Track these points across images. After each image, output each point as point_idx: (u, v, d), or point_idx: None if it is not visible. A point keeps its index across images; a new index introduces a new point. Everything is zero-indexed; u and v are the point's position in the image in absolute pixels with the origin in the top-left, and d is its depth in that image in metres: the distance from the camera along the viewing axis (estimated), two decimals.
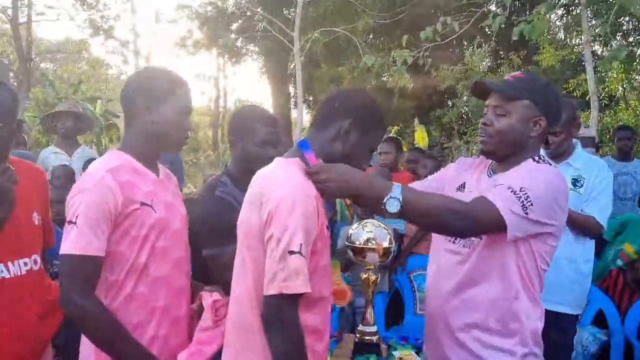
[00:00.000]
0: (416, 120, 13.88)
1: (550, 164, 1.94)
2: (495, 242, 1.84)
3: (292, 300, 1.56)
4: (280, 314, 1.56)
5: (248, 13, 13.80)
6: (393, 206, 1.68)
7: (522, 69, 14.11)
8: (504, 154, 1.95)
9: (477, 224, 1.74)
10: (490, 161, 2.06)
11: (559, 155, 3.16)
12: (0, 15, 18.96)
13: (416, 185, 2.26)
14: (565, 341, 3.13)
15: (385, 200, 1.68)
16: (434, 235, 2.13)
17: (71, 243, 1.70)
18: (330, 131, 1.75)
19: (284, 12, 13.37)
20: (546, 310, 2.99)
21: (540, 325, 1.99)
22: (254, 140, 2.37)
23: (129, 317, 1.80)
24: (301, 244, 1.54)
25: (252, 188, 1.75)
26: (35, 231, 2.21)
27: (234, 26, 14.87)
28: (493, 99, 1.95)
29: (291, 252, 1.53)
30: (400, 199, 1.68)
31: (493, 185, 1.90)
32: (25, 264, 2.12)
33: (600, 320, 3.89)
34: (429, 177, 2.32)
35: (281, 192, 1.59)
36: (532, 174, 1.83)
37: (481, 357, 1.90)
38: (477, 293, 1.90)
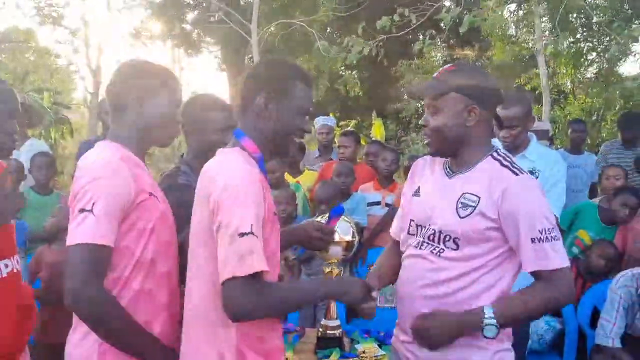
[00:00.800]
0: (374, 114, 14.00)
1: (513, 163, 1.92)
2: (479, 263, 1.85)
3: (250, 282, 1.51)
4: (240, 300, 1.51)
5: (204, 3, 13.56)
6: (491, 332, 1.76)
7: (476, 64, 14.42)
8: (449, 150, 1.92)
9: (570, 295, 1.85)
10: (443, 159, 2.02)
11: (515, 148, 3.22)
12: None
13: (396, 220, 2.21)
14: (520, 330, 3.20)
15: (483, 328, 1.76)
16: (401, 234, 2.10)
17: (88, 231, 1.58)
18: (250, 113, 1.76)
19: (241, 2, 13.20)
20: None
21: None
22: (213, 128, 2.32)
23: (137, 315, 1.70)
24: (252, 225, 1.52)
25: (199, 185, 1.73)
26: (13, 230, 2.12)
27: (190, 16, 14.63)
28: (425, 99, 1.95)
29: (242, 234, 1.50)
30: (495, 322, 1.75)
31: (458, 194, 1.87)
32: (6, 265, 2.02)
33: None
34: (399, 211, 2.22)
35: (225, 180, 1.58)
36: (527, 201, 1.82)
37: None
38: (452, 298, 1.87)
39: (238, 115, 1.84)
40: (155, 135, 1.90)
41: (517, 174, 1.85)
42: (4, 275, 1.99)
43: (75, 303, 1.58)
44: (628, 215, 4.18)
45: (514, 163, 1.92)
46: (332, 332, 2.55)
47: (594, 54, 14.06)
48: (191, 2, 14.34)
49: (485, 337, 1.76)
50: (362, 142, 7.45)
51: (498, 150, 1.94)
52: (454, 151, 1.92)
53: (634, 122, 5.53)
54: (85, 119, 21.33)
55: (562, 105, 12.72)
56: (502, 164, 1.89)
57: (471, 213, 1.81)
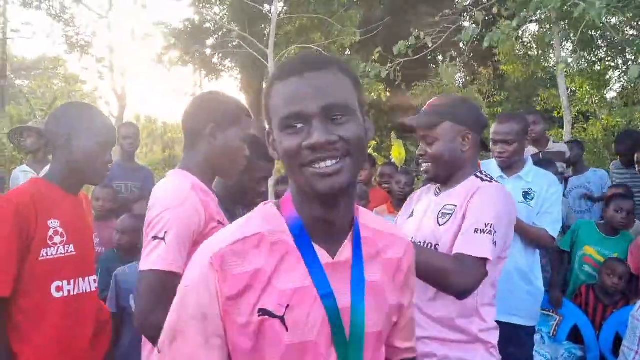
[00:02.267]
0: (392, 135, 13.97)
1: (492, 180, 2.04)
2: None
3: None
4: None
5: (223, 29, 13.81)
6: None
7: (493, 84, 14.37)
8: (447, 175, 2.08)
9: (470, 286, 1.84)
10: (436, 185, 2.18)
11: (511, 166, 3.20)
12: None
13: None
14: (524, 354, 3.14)
15: None
16: None
17: (158, 259, 1.65)
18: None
19: (260, 27, 13.42)
20: (501, 322, 3.00)
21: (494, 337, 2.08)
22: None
23: None
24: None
25: None
26: (94, 251, 2.34)
27: (210, 42, 14.90)
28: (419, 131, 2.08)
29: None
30: None
31: (441, 205, 2.02)
32: (95, 280, 2.21)
33: (575, 336, 3.89)
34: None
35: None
36: (484, 200, 1.92)
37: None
38: (430, 309, 2.00)
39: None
40: (224, 167, 1.98)
41: (485, 181, 2.00)
42: (93, 289, 2.18)
43: (141, 327, 1.67)
44: (625, 218, 4.11)
45: (492, 178, 2.06)
46: None
47: (617, 72, 13.92)
48: (211, 27, 14.59)
49: None
50: (379, 163, 7.42)
51: (482, 171, 2.08)
52: (450, 175, 2.07)
53: (626, 138, 5.49)
54: None
55: (584, 127, 12.54)
56: (481, 179, 2.03)
57: (448, 220, 1.97)
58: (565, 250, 4.23)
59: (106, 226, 4.27)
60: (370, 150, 14.52)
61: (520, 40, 13.63)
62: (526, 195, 3.15)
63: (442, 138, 2.02)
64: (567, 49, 11.68)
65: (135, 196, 4.60)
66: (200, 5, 15.51)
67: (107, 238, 4.21)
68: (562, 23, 9.41)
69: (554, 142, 5.14)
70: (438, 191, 2.14)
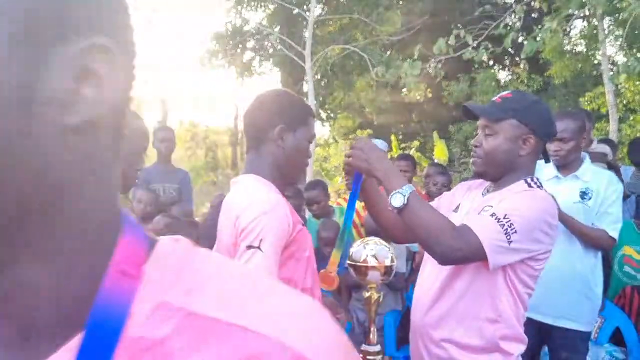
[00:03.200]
0: (435, 135, 13.85)
1: (541, 187, 1.92)
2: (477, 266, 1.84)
3: None
4: None
5: (263, 32, 13.98)
6: (397, 201, 1.75)
7: (534, 84, 14.04)
8: (495, 173, 1.95)
9: (458, 259, 1.76)
10: (488, 182, 2.06)
11: (567, 165, 3.12)
12: None
13: None
14: (577, 359, 3.06)
15: (392, 193, 1.76)
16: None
17: (258, 269, 1.54)
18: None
19: (299, 29, 13.52)
20: (556, 326, 2.98)
21: (517, 351, 1.91)
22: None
23: None
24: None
25: None
26: None
27: (250, 44, 15.08)
28: (482, 120, 1.96)
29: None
30: (406, 198, 1.74)
31: (482, 206, 1.91)
32: None
33: (617, 338, 3.79)
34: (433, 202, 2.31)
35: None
36: (518, 198, 1.82)
37: None
38: (453, 309, 1.89)
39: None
40: (291, 170, 1.87)
41: (530, 187, 1.88)
42: None
43: None
44: None
45: (540, 185, 1.93)
46: (373, 357, 2.52)
47: None
48: (252, 30, 14.78)
49: (391, 204, 1.77)
50: (424, 164, 7.36)
51: (533, 177, 1.95)
52: (501, 175, 1.95)
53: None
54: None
55: (630, 124, 12.15)
56: (526, 182, 1.91)
57: None
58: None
59: (145, 229, 4.39)
60: (412, 151, 14.45)
61: (568, 37, 13.29)
62: (584, 195, 3.06)
63: (503, 135, 1.90)
64: (614, 46, 11.34)
65: (172, 198, 4.70)
66: (241, 8, 15.72)
67: None
68: (610, 19, 9.16)
69: (598, 142, 5.01)
70: (486, 192, 2.03)
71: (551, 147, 3.12)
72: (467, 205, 2.04)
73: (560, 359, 3.09)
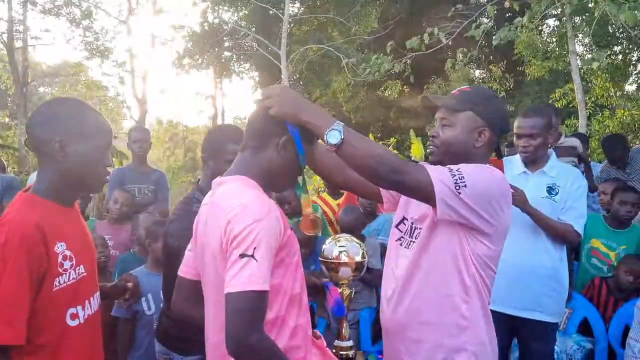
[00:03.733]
0: (412, 133, 13.97)
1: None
2: (435, 242, 1.88)
3: None
4: None
5: (241, 32, 13.97)
6: (334, 137, 1.67)
7: (507, 82, 14.24)
8: (450, 163, 1.94)
9: (406, 181, 1.71)
10: None
11: (534, 161, 3.20)
12: None
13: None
14: (546, 350, 3.15)
15: (327, 132, 1.67)
16: (389, 243, 2.16)
17: (252, 278, 1.49)
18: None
19: (276, 28, 13.53)
20: (524, 319, 3.07)
21: (486, 336, 1.94)
22: (225, 158, 2.38)
23: (295, 352, 1.66)
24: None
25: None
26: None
27: (227, 44, 15.09)
28: (440, 112, 2.01)
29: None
30: (342, 134, 1.67)
31: None
32: (96, 299, 1.97)
33: (585, 329, 3.90)
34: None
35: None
36: (476, 169, 1.84)
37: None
38: (420, 294, 1.92)
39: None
40: (283, 179, 1.81)
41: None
42: (97, 307, 1.97)
43: (237, 351, 1.51)
44: (631, 211, 4.07)
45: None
46: (345, 352, 2.55)
47: (639, 66, 13.72)
48: (227, 29, 14.75)
49: (328, 142, 1.68)
50: None
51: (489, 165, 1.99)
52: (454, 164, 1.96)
53: (616, 142, 5.52)
54: None
55: (599, 119, 12.40)
56: None
57: None
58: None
59: (122, 229, 4.35)
60: (389, 148, 14.53)
61: (540, 36, 13.51)
62: (550, 190, 3.13)
63: (459, 126, 1.94)
64: (583, 44, 11.57)
65: (148, 199, 4.68)
66: (218, 8, 15.67)
67: (121, 241, 4.29)
68: (578, 18, 9.33)
69: (566, 136, 5.12)
70: None
71: (520, 143, 3.20)
72: None
73: (530, 350, 3.17)
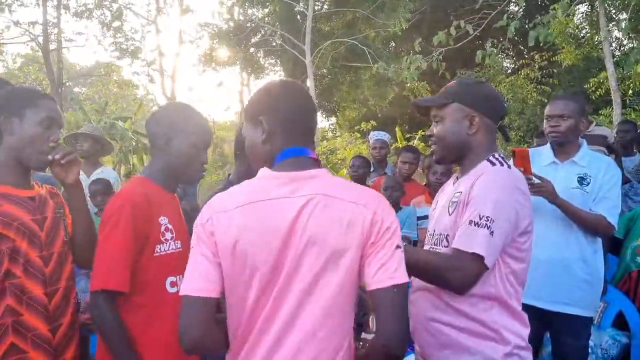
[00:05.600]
0: None
1: (504, 163, 1.96)
2: None
3: None
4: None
5: (266, 28, 14.02)
6: None
7: (544, 70, 13.94)
8: (452, 156, 2.06)
9: (466, 280, 1.80)
10: (457, 172, 2.13)
11: (564, 146, 3.12)
12: (31, 44, 19.65)
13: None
14: (579, 344, 3.07)
15: None
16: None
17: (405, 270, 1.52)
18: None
19: (300, 26, 13.55)
20: (558, 313, 2.99)
21: (523, 332, 1.93)
22: None
23: None
24: None
25: None
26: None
27: (253, 41, 15.15)
28: (432, 111, 2.07)
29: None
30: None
31: (452, 194, 1.98)
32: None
33: (621, 322, 3.79)
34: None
35: None
36: (482, 187, 1.86)
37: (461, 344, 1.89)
38: (452, 299, 1.89)
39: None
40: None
41: (494, 164, 1.93)
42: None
43: (397, 346, 1.44)
44: None
45: (503, 161, 1.97)
46: None
47: None
48: (252, 26, 14.83)
49: None
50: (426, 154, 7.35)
51: (495, 154, 2.00)
52: (458, 158, 2.05)
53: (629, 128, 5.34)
54: None
55: (635, 108, 12.00)
56: (490, 162, 1.96)
57: (456, 208, 1.92)
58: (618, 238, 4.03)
59: None
60: (416, 141, 14.42)
61: (572, 22, 13.18)
62: (582, 180, 3.03)
63: (448, 118, 2.01)
64: (619, 29, 11.19)
65: (177, 194, 4.73)
66: (245, 6, 15.75)
67: None
68: (610, 2, 9.07)
69: (597, 125, 4.98)
70: (456, 179, 2.09)
71: (549, 124, 3.12)
72: (442, 199, 2.11)
73: (563, 345, 3.09)
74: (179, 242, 2.10)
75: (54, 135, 2.04)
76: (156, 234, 2.00)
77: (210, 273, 1.51)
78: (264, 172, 1.59)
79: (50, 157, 2.02)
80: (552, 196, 2.91)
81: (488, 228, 1.76)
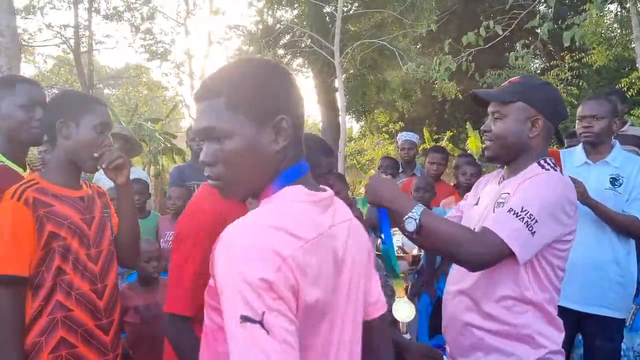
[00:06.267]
0: (468, 126, 13.72)
1: (555, 168, 1.92)
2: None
3: None
4: None
5: (294, 29, 14.09)
6: (410, 225, 1.75)
7: (575, 71, 13.73)
8: (507, 157, 1.97)
9: (487, 259, 1.74)
10: (503, 171, 2.07)
11: (597, 150, 3.11)
12: (63, 46, 20.06)
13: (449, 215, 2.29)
14: (611, 347, 3.05)
15: (404, 219, 1.75)
16: None
17: None
18: None
19: (329, 27, 13.61)
20: (590, 314, 2.98)
21: (558, 337, 1.92)
22: None
23: None
24: None
25: None
26: None
27: (281, 42, 15.27)
28: (491, 105, 1.98)
29: None
30: (418, 220, 1.73)
31: (499, 194, 1.94)
32: None
33: None
34: (456, 207, 2.36)
35: None
36: (533, 185, 1.82)
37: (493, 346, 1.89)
38: (486, 302, 1.89)
39: None
40: None
41: (547, 170, 1.88)
42: None
43: None
44: None
45: (553, 165, 1.92)
46: None
47: None
48: (282, 27, 14.92)
49: (406, 230, 1.75)
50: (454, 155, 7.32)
51: (545, 158, 1.95)
52: (511, 159, 1.97)
53: None
54: None
55: None
56: (540, 165, 1.92)
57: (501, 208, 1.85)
58: None
59: None
60: (444, 142, 14.35)
61: (602, 21, 12.98)
62: (614, 181, 3.02)
63: (511, 117, 1.91)
64: None
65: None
66: (274, 7, 15.87)
67: None
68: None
69: (631, 125, 4.91)
70: (502, 179, 2.04)
71: (582, 125, 3.10)
72: (486, 198, 2.06)
73: (595, 346, 3.08)
74: None
75: (107, 140, 2.12)
76: None
77: None
78: (299, 192, 1.20)
79: (99, 166, 2.11)
80: (583, 197, 2.89)
81: (527, 225, 1.71)
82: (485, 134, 2.00)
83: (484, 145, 2.03)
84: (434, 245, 1.80)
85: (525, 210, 1.73)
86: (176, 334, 1.78)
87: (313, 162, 2.09)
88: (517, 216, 1.73)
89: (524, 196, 1.78)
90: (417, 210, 1.74)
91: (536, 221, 1.72)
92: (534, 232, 1.72)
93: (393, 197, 1.81)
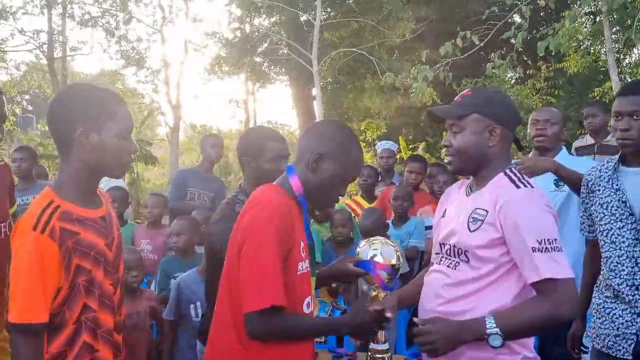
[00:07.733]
0: (444, 135, 13.80)
1: (527, 185, 1.92)
2: (486, 273, 1.90)
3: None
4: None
5: (272, 36, 14.10)
6: (497, 341, 1.77)
7: (550, 80, 13.96)
8: (470, 168, 2.00)
9: (572, 303, 1.81)
10: (469, 180, 2.10)
11: (546, 151, 3.20)
12: (36, 52, 19.77)
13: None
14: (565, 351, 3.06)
15: (488, 339, 1.77)
16: (432, 255, 2.17)
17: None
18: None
19: (308, 34, 13.64)
20: None
21: (529, 342, 1.96)
22: (266, 157, 2.48)
23: None
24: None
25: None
26: None
27: (259, 50, 15.24)
28: (447, 121, 2.02)
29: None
30: (499, 331, 1.76)
31: (472, 208, 1.94)
32: None
33: None
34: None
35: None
36: (523, 213, 1.84)
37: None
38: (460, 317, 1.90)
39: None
40: None
41: (518, 187, 1.90)
42: None
43: None
44: None
45: (522, 178, 1.95)
46: (380, 356, 2.54)
47: None
48: (259, 35, 14.92)
49: (492, 346, 1.77)
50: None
51: (511, 168, 1.98)
52: (475, 170, 2.01)
53: None
54: (167, 152, 22.40)
55: None
56: (510, 179, 1.93)
57: (480, 227, 1.88)
58: None
59: (159, 234, 4.44)
60: (419, 151, 14.44)
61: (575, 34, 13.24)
62: (557, 182, 3.05)
63: (468, 130, 1.94)
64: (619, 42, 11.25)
65: (205, 206, 4.65)
66: (252, 15, 15.86)
67: (159, 245, 4.38)
68: (613, 14, 9.10)
69: (613, 135, 4.99)
70: (469, 190, 2.05)
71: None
72: (453, 209, 2.07)
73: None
74: (307, 260, 1.94)
75: (133, 146, 1.89)
76: (297, 249, 1.84)
77: None
78: None
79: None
80: (554, 167, 2.85)
81: (555, 249, 1.78)
82: (446, 148, 2.02)
83: (447, 160, 2.09)
84: (525, 336, 1.88)
85: (542, 240, 1.78)
86: (269, 326, 1.75)
87: (259, 150, 2.55)
88: (545, 251, 1.77)
89: (528, 230, 1.80)
90: (491, 324, 1.77)
91: (555, 239, 1.79)
92: (561, 247, 1.80)
93: (464, 329, 1.83)
